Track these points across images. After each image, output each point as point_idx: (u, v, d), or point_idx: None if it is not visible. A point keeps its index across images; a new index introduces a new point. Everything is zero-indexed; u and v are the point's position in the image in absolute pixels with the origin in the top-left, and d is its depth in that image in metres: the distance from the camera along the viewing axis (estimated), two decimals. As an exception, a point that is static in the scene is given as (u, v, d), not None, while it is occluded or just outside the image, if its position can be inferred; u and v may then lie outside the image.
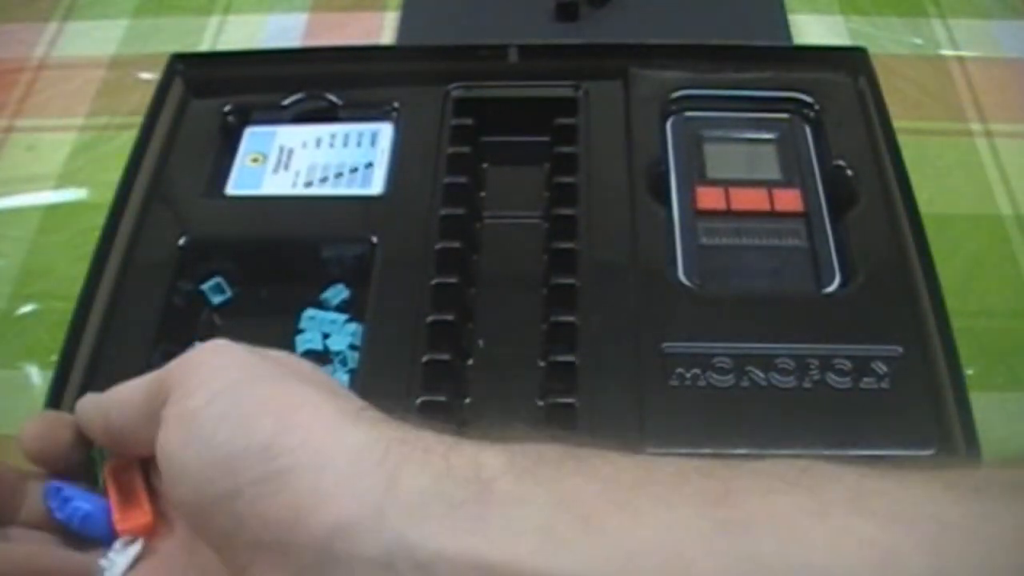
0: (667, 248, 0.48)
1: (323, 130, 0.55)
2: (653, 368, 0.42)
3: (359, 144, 0.54)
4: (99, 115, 0.61)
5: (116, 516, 0.30)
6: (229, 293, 0.49)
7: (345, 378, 0.45)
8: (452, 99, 0.55)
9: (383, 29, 0.65)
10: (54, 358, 0.44)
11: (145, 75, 0.62)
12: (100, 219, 0.50)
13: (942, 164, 0.56)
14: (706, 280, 0.47)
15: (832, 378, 0.42)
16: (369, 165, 0.53)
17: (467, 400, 0.44)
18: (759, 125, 0.54)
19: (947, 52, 0.62)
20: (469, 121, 0.53)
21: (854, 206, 0.49)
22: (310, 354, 0.46)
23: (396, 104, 0.55)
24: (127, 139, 0.55)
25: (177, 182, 0.52)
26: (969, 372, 0.44)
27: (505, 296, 0.48)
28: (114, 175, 0.52)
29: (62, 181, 0.57)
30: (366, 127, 0.55)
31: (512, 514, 0.23)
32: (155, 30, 0.66)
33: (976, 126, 0.58)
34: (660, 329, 0.44)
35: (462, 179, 0.51)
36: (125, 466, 0.31)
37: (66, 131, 0.60)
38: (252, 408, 0.26)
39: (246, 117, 0.56)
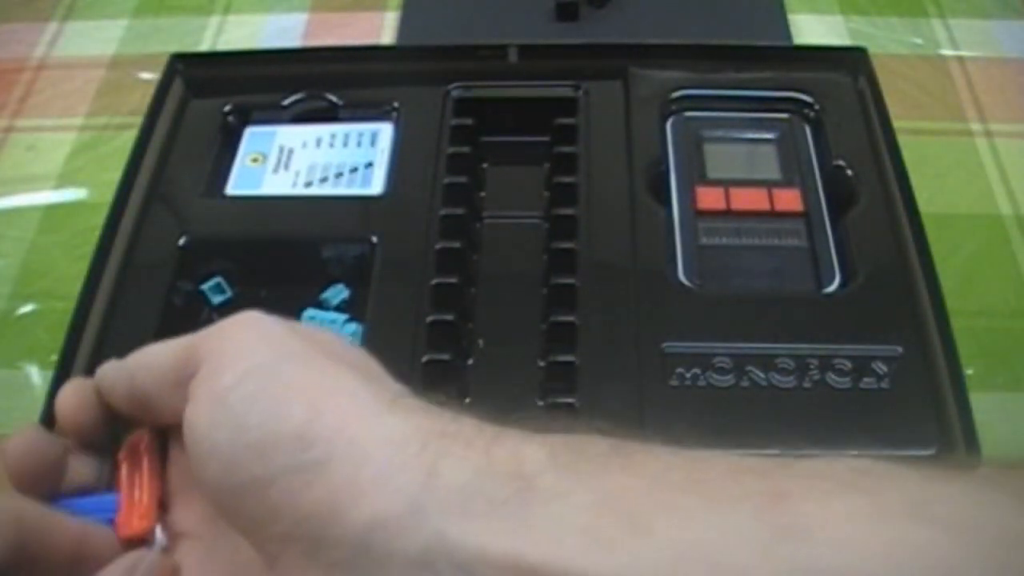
0: (667, 248, 0.48)
1: (323, 130, 0.55)
2: (653, 368, 0.43)
3: (359, 144, 0.54)
4: (99, 115, 0.61)
5: (119, 519, 0.29)
6: (229, 293, 0.49)
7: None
8: (452, 99, 0.55)
9: (383, 29, 0.65)
10: (54, 358, 0.44)
11: (145, 75, 0.62)
12: (100, 219, 0.50)
13: (942, 164, 0.56)
14: (706, 280, 0.47)
15: (832, 378, 0.42)
16: (369, 165, 0.53)
17: (467, 400, 0.44)
18: (759, 125, 0.54)
19: (947, 52, 0.62)
20: (469, 121, 0.53)
21: (854, 206, 0.49)
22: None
23: (396, 104, 0.55)
24: (127, 139, 0.55)
25: (177, 182, 0.52)
26: (969, 372, 0.44)
27: (505, 296, 0.48)
28: (114, 175, 0.52)
29: (62, 181, 0.57)
30: (366, 127, 0.55)
31: (555, 513, 0.22)
32: (155, 30, 0.66)
33: (976, 126, 0.58)
34: (660, 329, 0.44)
35: (462, 179, 0.51)
36: (138, 451, 0.30)
37: (66, 131, 0.60)
38: (283, 391, 0.25)
39: (246, 117, 0.56)
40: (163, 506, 0.30)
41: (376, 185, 0.52)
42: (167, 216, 0.51)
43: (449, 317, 0.45)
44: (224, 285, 0.49)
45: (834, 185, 0.51)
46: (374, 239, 0.48)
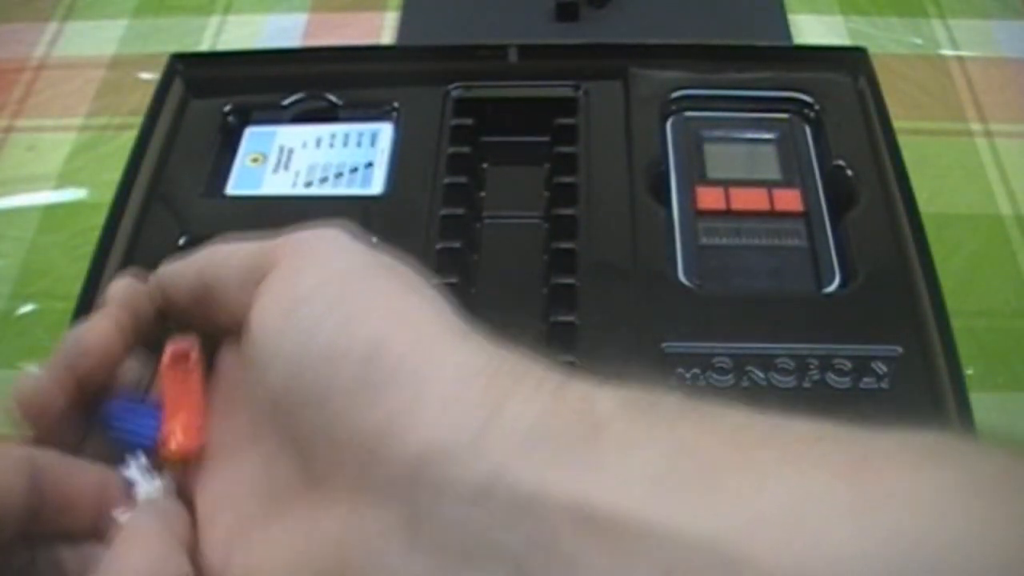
0: (667, 248, 0.48)
1: (323, 130, 0.55)
2: (653, 368, 0.42)
3: (359, 144, 0.54)
4: (99, 115, 0.61)
5: (164, 434, 0.27)
6: (229, 293, 0.49)
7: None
8: (452, 99, 0.55)
9: (383, 29, 0.65)
10: (54, 358, 0.44)
11: (145, 75, 0.62)
12: (100, 219, 0.50)
13: (942, 164, 0.56)
14: (706, 280, 0.47)
15: (832, 378, 0.42)
16: (369, 165, 0.53)
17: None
18: (759, 125, 0.54)
19: (947, 52, 0.62)
20: (469, 121, 0.53)
21: (854, 206, 0.49)
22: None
23: (396, 104, 0.55)
24: (127, 139, 0.55)
25: (177, 182, 0.52)
26: (969, 372, 0.44)
27: (505, 296, 0.48)
28: (114, 175, 0.52)
29: (62, 181, 0.57)
30: (366, 127, 0.55)
31: (625, 460, 0.21)
32: (155, 30, 0.66)
33: (976, 126, 0.58)
34: (660, 329, 0.44)
35: (462, 179, 0.51)
36: (186, 361, 0.28)
37: (66, 131, 0.60)
38: (357, 308, 0.24)
39: (246, 117, 0.56)
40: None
41: (376, 185, 0.52)
42: (167, 216, 0.51)
43: (449, 317, 0.45)
44: (224, 285, 0.49)
45: (834, 185, 0.51)
46: (374, 239, 0.48)
